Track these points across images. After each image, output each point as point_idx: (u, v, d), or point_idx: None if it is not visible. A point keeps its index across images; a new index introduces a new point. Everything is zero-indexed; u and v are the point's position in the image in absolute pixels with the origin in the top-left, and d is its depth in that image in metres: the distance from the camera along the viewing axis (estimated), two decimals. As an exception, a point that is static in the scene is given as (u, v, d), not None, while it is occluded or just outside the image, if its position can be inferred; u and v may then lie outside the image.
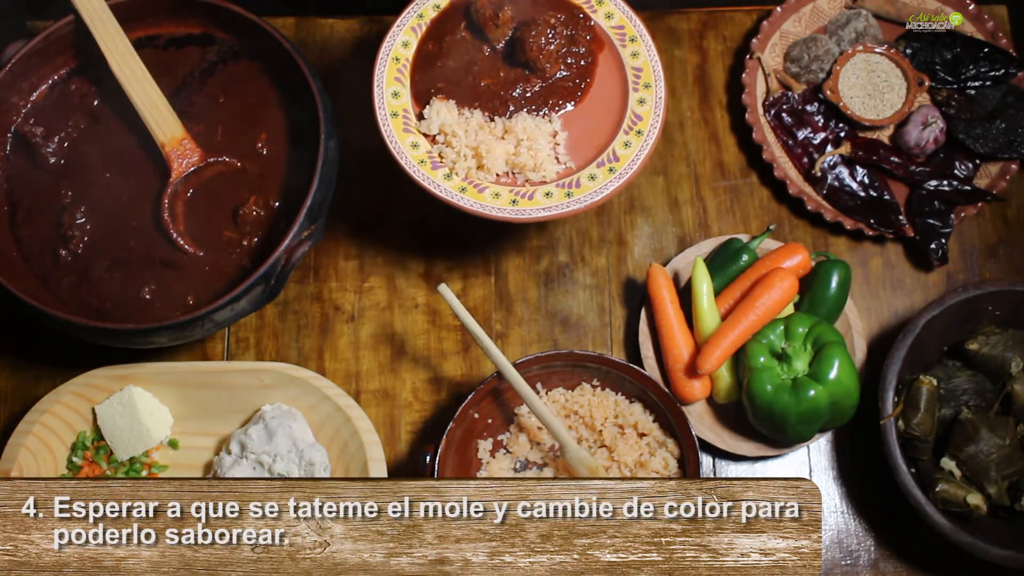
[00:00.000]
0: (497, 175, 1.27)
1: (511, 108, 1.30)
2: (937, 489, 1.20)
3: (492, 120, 1.29)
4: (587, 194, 1.24)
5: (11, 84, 1.32)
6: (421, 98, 1.30)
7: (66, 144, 1.34)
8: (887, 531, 1.32)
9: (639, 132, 1.27)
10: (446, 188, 1.24)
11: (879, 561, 1.30)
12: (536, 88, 1.30)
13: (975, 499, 1.20)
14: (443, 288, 1.19)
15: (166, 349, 1.36)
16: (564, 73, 1.31)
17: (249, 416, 1.34)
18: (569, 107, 1.31)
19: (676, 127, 1.49)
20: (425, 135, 1.29)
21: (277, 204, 1.30)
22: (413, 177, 1.25)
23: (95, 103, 1.36)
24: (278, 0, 1.54)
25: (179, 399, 1.34)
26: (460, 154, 1.26)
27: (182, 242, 1.29)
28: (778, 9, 1.50)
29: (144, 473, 1.32)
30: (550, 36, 1.28)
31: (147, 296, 1.27)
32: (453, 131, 1.27)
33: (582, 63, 1.31)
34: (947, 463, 1.22)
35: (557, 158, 1.29)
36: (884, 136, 1.46)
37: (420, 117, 1.29)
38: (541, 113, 1.30)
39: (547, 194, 1.24)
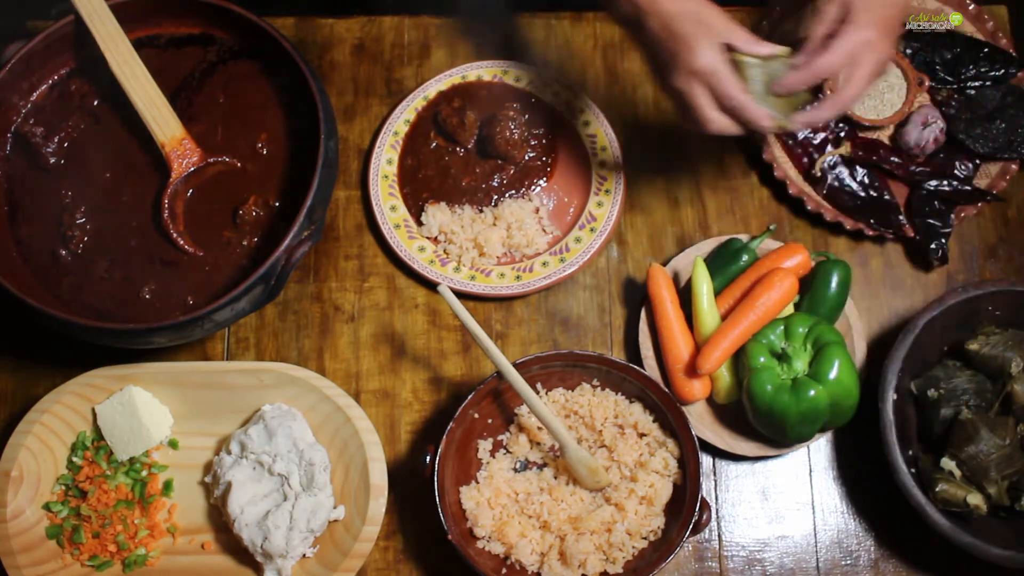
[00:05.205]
0: (497, 257, 1.39)
1: (495, 197, 1.42)
2: (937, 489, 1.20)
3: (481, 211, 1.41)
4: (577, 255, 1.37)
5: (11, 84, 1.32)
6: (414, 206, 1.43)
7: (66, 144, 1.34)
8: (887, 531, 1.31)
9: (607, 191, 1.41)
10: (459, 280, 1.37)
11: (879, 561, 1.30)
12: (511, 173, 1.43)
13: (975, 499, 1.20)
14: (443, 288, 1.19)
15: (166, 349, 1.35)
16: (532, 154, 1.44)
17: (249, 416, 1.34)
18: (543, 183, 1.43)
19: (677, 127, 1.48)
20: (427, 237, 1.40)
21: (277, 204, 1.30)
22: (428, 278, 1.38)
23: (95, 103, 1.36)
24: (278, 0, 1.54)
25: (179, 399, 1.34)
26: (462, 247, 1.39)
27: (182, 242, 1.29)
28: (778, 9, 1.49)
29: (144, 473, 1.32)
30: (512, 127, 1.40)
31: (147, 296, 1.27)
32: (451, 229, 1.40)
33: (544, 142, 1.44)
34: (947, 463, 1.22)
35: (544, 229, 1.41)
36: (884, 136, 1.45)
37: (419, 223, 1.41)
38: (521, 194, 1.42)
39: (544, 263, 1.38)
